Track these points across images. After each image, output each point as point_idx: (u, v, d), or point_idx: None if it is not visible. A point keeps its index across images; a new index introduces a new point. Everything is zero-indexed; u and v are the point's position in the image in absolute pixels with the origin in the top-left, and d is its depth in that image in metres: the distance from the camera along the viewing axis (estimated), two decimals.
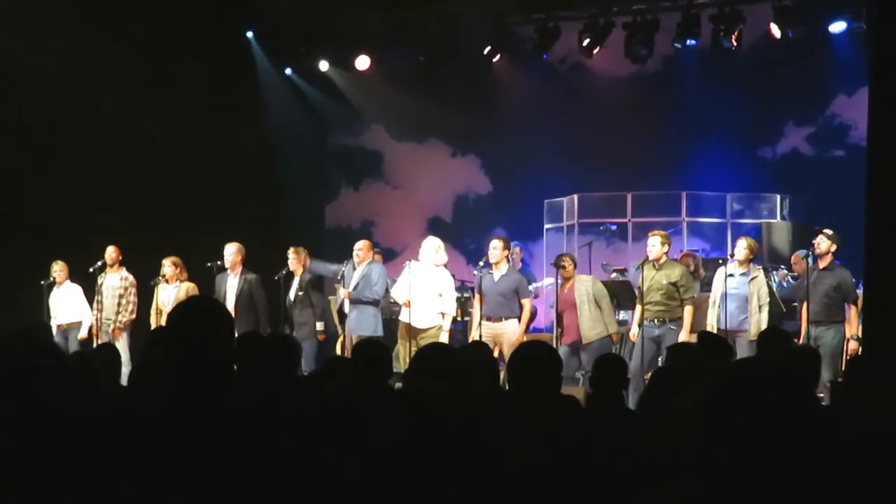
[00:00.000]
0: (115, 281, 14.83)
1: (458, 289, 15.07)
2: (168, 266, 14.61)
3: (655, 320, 12.83)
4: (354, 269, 13.94)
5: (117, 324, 14.67)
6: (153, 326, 14.44)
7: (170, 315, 4.16)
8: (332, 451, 3.99)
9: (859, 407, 5.43)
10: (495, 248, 13.44)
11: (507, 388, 5.69)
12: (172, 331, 4.02)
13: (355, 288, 13.72)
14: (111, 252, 14.85)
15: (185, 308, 4.14)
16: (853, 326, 12.44)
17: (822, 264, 12.71)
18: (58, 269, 14.99)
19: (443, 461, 3.60)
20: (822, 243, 12.68)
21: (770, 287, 13.37)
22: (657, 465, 3.96)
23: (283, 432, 3.87)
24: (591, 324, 12.96)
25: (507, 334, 13.05)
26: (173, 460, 3.68)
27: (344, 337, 13.94)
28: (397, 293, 13.75)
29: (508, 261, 13.70)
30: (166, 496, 3.66)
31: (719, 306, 12.83)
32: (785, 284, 14.83)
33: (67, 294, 15.07)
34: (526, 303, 13.43)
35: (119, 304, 14.77)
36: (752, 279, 12.81)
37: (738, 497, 2.66)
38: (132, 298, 14.86)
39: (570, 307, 13.10)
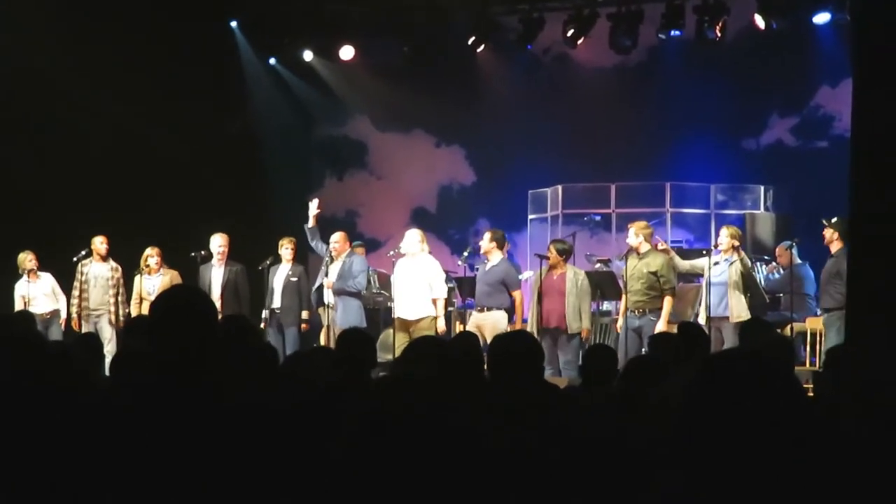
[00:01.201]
0: (105, 271, 14.78)
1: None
2: (154, 256, 14.61)
3: (636, 311, 12.90)
4: (332, 261, 13.97)
5: (121, 316, 14.66)
6: (133, 315, 14.47)
7: (153, 304, 4.12)
8: (315, 443, 3.99)
9: (844, 399, 5.45)
10: (483, 239, 13.63)
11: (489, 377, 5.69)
12: (156, 320, 4.00)
13: (337, 280, 13.77)
14: (101, 242, 14.79)
15: (170, 297, 4.12)
16: None
17: (831, 252, 12.86)
18: (31, 258, 14.84)
19: (425, 451, 3.60)
20: (826, 233, 12.84)
21: (754, 277, 13.43)
22: (644, 455, 3.97)
23: (269, 426, 3.86)
24: (575, 315, 12.99)
25: (489, 324, 13.08)
26: (157, 454, 3.67)
27: (328, 328, 13.95)
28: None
29: (502, 252, 13.75)
30: (148, 488, 3.66)
31: (707, 295, 12.92)
32: (771, 277, 14.88)
33: (43, 283, 14.96)
34: (516, 294, 13.46)
35: (117, 295, 14.75)
36: (732, 264, 12.87)
37: (720, 488, 2.66)
38: (123, 290, 14.87)
39: (556, 294, 13.10)
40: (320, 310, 14.22)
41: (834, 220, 12.72)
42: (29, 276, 14.80)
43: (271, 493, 3.71)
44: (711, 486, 2.68)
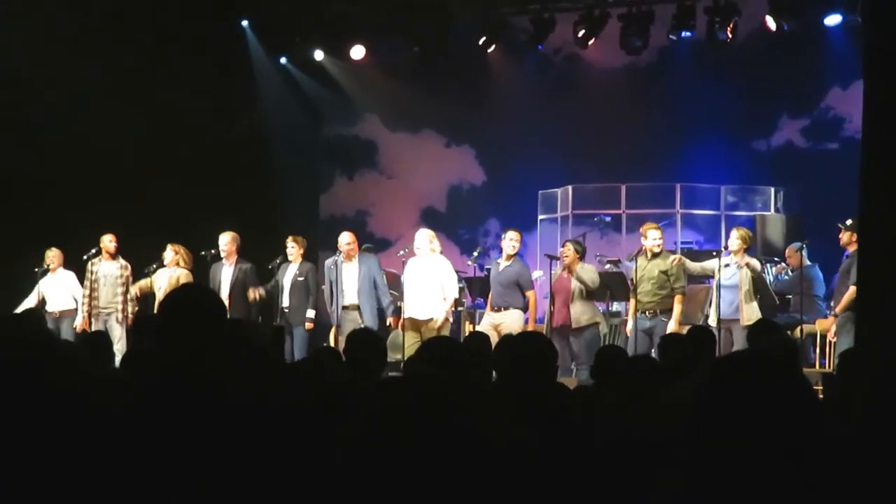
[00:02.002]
0: (114, 269, 14.82)
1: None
2: (170, 251, 14.63)
3: (647, 312, 12.90)
4: (345, 262, 13.95)
5: (130, 314, 14.67)
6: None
7: (161, 303, 4.13)
8: (322, 443, 3.98)
9: (853, 401, 5.44)
10: (513, 239, 13.60)
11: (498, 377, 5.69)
12: (165, 319, 4.00)
13: (359, 295, 13.76)
14: (110, 240, 14.83)
15: (178, 296, 4.12)
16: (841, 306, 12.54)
17: (849, 251, 12.75)
18: (52, 255, 14.96)
19: (429, 451, 3.60)
20: (844, 235, 12.73)
21: (765, 280, 13.41)
22: (651, 455, 3.97)
23: (275, 426, 3.86)
24: (583, 309, 13.03)
25: (506, 324, 13.12)
26: (163, 454, 3.67)
27: (337, 327, 13.94)
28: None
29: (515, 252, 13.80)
30: (153, 488, 3.65)
31: (717, 298, 12.89)
32: (780, 278, 14.86)
33: (61, 281, 15.03)
34: (530, 294, 13.50)
35: (126, 293, 14.78)
36: (742, 267, 12.84)
37: (730, 489, 2.66)
38: (132, 288, 14.89)
39: (564, 291, 13.16)
40: (329, 310, 14.21)
41: (850, 222, 12.63)
42: (48, 273, 14.96)
43: (277, 492, 3.71)
44: (721, 488, 2.68)
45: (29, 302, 14.90)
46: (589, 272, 13.27)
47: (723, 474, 2.68)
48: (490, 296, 13.70)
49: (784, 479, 2.65)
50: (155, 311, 13.82)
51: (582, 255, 13.45)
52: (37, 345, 3.79)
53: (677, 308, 12.80)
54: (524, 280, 13.54)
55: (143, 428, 3.72)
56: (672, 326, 12.48)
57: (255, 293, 14.34)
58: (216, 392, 3.80)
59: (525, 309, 13.52)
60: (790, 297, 14.37)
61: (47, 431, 3.72)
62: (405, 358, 12.45)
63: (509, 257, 13.58)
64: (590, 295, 13.18)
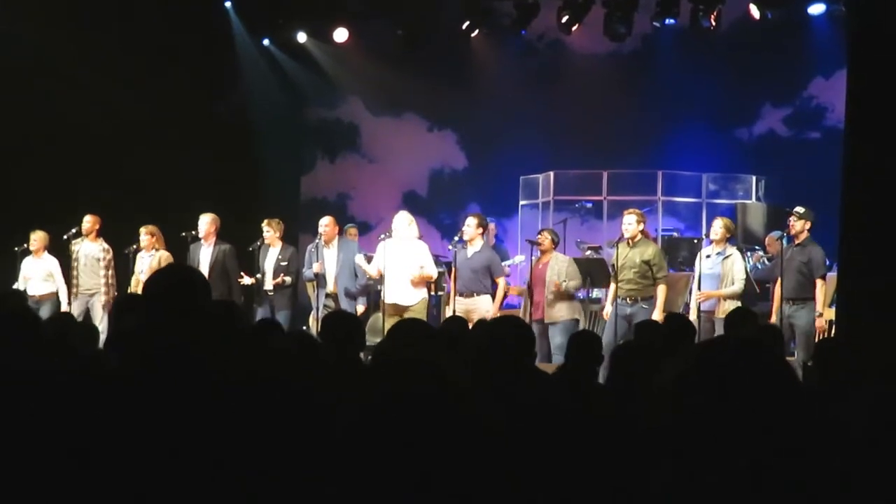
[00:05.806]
0: (96, 251, 14.74)
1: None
2: (144, 235, 14.55)
3: (628, 299, 12.86)
4: (325, 246, 13.94)
5: (111, 296, 14.60)
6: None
7: (146, 283, 4.13)
8: (308, 429, 3.99)
9: (832, 387, 5.47)
10: (469, 225, 13.50)
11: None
12: (150, 299, 3.99)
13: (337, 275, 13.76)
14: (89, 221, 14.75)
15: (163, 276, 4.12)
16: (818, 303, 12.44)
17: (796, 241, 12.66)
18: (36, 238, 14.82)
19: (418, 438, 3.59)
20: (796, 224, 12.62)
21: (748, 272, 13.40)
22: (634, 440, 3.98)
23: (259, 405, 3.86)
24: (559, 305, 13.03)
25: (479, 310, 13.07)
26: (151, 429, 3.66)
27: (317, 311, 13.92)
28: (370, 268, 13.75)
29: (483, 238, 13.74)
30: (138, 466, 3.65)
31: (698, 288, 12.86)
32: (759, 266, 14.88)
33: (43, 265, 14.91)
34: (500, 281, 13.47)
35: (108, 275, 14.71)
36: (726, 258, 12.83)
37: (713, 475, 2.67)
38: (113, 271, 14.83)
39: (540, 283, 13.17)
40: (311, 294, 14.19)
41: (801, 210, 12.59)
42: (33, 255, 14.84)
43: (265, 472, 3.71)
44: (705, 473, 2.68)
45: (19, 285, 14.82)
46: (571, 278, 13.22)
47: (707, 460, 2.69)
48: (457, 281, 13.61)
49: (769, 464, 2.66)
50: (137, 291, 13.80)
51: (556, 244, 13.50)
52: (23, 324, 3.79)
53: (661, 298, 12.75)
54: (496, 267, 13.51)
55: (127, 407, 3.71)
56: (656, 315, 12.42)
57: (280, 279, 14.23)
58: (202, 371, 3.80)
59: (494, 294, 13.51)
60: (769, 285, 14.39)
61: (32, 410, 3.72)
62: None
63: (472, 241, 13.51)
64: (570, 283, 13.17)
